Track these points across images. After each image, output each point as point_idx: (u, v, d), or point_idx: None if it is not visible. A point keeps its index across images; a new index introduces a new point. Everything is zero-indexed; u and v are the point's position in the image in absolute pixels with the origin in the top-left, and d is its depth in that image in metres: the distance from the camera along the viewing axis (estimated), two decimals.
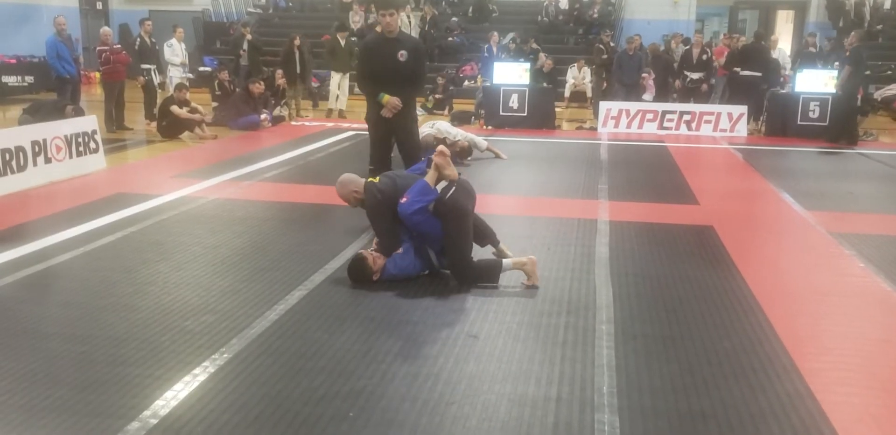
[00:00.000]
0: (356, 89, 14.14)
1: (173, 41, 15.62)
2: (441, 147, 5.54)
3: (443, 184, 5.42)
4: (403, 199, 5.34)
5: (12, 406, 3.62)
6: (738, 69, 15.42)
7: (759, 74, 15.26)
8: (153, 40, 14.85)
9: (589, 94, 19.05)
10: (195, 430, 3.42)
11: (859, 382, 4.10)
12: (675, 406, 3.76)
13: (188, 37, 17.39)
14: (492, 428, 3.50)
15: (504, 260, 5.54)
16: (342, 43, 16.38)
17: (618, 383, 3.97)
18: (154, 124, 13.56)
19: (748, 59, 15.46)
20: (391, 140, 7.25)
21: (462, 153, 10.55)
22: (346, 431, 3.43)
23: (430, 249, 5.52)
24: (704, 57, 16.12)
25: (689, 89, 16.08)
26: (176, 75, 15.43)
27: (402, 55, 6.92)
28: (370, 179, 5.73)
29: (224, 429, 3.44)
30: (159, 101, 13.77)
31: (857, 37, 14.32)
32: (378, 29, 7.18)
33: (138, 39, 14.84)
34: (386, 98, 6.91)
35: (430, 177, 5.43)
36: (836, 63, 15.23)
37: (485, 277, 5.46)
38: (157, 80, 14.97)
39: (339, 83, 16.55)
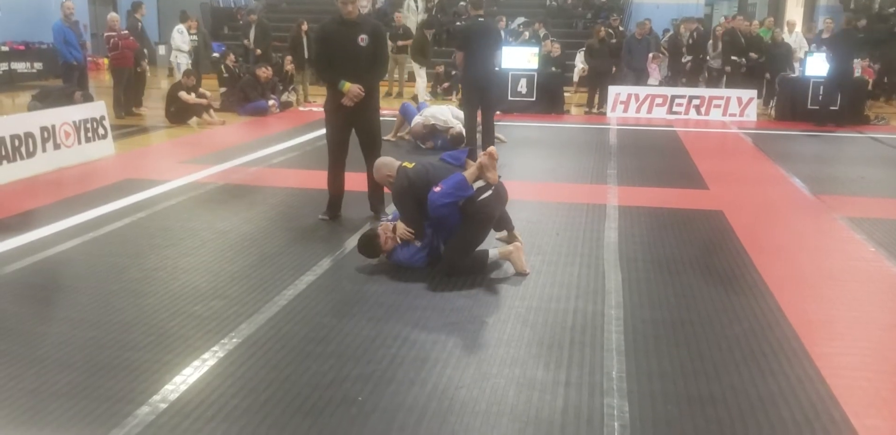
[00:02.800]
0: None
1: (182, 27, 15.55)
2: (492, 148, 5.42)
3: (479, 183, 5.32)
4: (437, 188, 5.24)
5: (22, 390, 3.64)
6: (735, 57, 15.52)
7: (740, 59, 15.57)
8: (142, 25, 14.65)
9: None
10: (205, 414, 3.43)
11: (869, 367, 4.08)
12: (685, 390, 3.75)
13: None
14: (501, 412, 3.49)
15: (490, 251, 5.46)
16: (428, 38, 17.19)
17: (627, 368, 3.97)
18: (143, 109, 13.54)
19: (735, 44, 15.47)
20: (349, 130, 6.72)
21: (454, 141, 10.09)
22: (354, 415, 3.44)
23: (440, 240, 5.48)
24: (690, 41, 16.16)
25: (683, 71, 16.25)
26: (183, 62, 15.39)
27: (363, 40, 6.48)
28: (405, 164, 5.66)
29: (233, 413, 3.45)
30: (152, 88, 13.75)
31: (844, 21, 14.21)
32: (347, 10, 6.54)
33: (139, 24, 14.70)
34: (347, 86, 6.42)
35: (469, 173, 5.31)
36: (814, 45, 15.19)
37: (471, 269, 5.39)
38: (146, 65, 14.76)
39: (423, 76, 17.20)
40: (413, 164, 5.66)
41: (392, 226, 5.54)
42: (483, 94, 9.46)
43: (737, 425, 3.44)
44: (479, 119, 9.92)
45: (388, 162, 5.88)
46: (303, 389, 3.67)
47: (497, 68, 9.82)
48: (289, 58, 15.94)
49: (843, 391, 3.76)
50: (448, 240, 5.39)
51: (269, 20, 19.56)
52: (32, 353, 4.04)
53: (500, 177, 5.45)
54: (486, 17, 9.75)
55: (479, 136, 9.92)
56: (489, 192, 5.33)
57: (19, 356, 4.00)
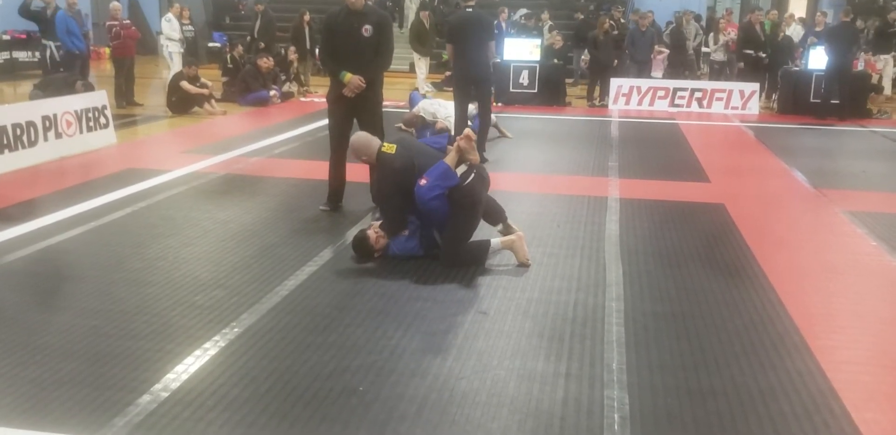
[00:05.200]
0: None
1: (170, 16, 15.51)
2: (468, 130, 5.41)
3: (462, 168, 5.28)
4: (423, 182, 5.17)
5: (25, 379, 3.65)
6: (749, 51, 15.43)
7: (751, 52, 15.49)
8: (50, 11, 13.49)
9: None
10: (206, 403, 3.44)
11: (870, 361, 4.09)
12: (685, 383, 3.76)
13: (197, 12, 17.27)
14: (501, 403, 3.51)
15: (492, 240, 5.43)
16: (426, 24, 15.91)
17: (627, 360, 3.98)
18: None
19: (750, 39, 15.45)
20: (351, 121, 6.70)
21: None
22: (355, 406, 3.45)
23: (435, 231, 5.47)
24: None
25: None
26: (175, 51, 15.38)
27: (367, 30, 6.42)
28: (384, 149, 5.52)
29: (234, 403, 3.46)
30: (154, 78, 13.66)
31: (842, 14, 14.20)
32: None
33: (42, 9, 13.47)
34: (348, 77, 6.38)
35: (450, 159, 5.26)
36: (811, 39, 15.13)
37: (472, 259, 5.37)
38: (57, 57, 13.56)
39: (424, 65, 16.13)
40: (394, 147, 5.51)
41: (379, 224, 5.53)
42: (476, 87, 9.38)
43: (737, 418, 3.45)
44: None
45: (366, 142, 5.64)
46: (303, 380, 3.68)
47: (492, 61, 9.70)
48: (292, 48, 15.88)
49: (843, 385, 3.77)
50: (443, 233, 5.38)
51: (272, 10, 19.52)
52: (34, 341, 4.05)
53: (486, 160, 5.41)
54: (475, 8, 9.61)
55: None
56: (472, 175, 5.29)
57: (21, 345, 4.01)
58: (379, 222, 5.56)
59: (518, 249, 5.39)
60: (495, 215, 5.76)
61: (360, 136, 5.79)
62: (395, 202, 5.43)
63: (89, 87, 11.44)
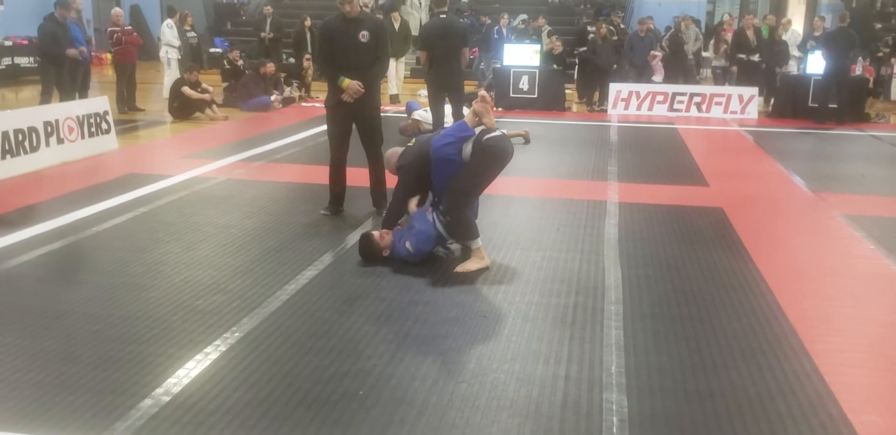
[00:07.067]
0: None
1: (171, 22, 15.54)
2: (482, 92, 5.53)
3: (481, 128, 5.38)
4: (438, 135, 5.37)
5: (27, 383, 3.67)
6: (741, 56, 15.44)
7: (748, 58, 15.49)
8: None
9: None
10: (207, 407, 3.46)
11: (867, 363, 4.11)
12: (684, 386, 3.78)
13: (198, 18, 17.32)
14: (501, 406, 3.53)
15: (479, 239, 5.43)
16: (396, 26, 15.55)
17: (626, 363, 4.00)
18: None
19: (742, 43, 15.48)
20: (350, 126, 6.75)
21: None
22: (356, 410, 3.47)
23: (435, 212, 5.52)
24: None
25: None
26: (174, 57, 15.42)
27: (364, 36, 6.50)
28: (409, 145, 5.81)
29: (235, 407, 3.48)
30: (156, 83, 13.67)
31: (839, 18, 14.25)
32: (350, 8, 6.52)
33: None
34: (346, 82, 6.42)
35: (468, 119, 5.40)
36: (810, 43, 15.16)
37: (467, 225, 5.39)
38: None
39: (395, 69, 15.56)
40: (413, 141, 5.83)
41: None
42: (448, 94, 9.48)
43: (735, 421, 3.47)
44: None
45: (396, 151, 5.94)
46: (304, 384, 3.70)
47: (465, 66, 9.74)
48: (307, 56, 15.88)
49: (841, 387, 3.79)
50: (454, 179, 5.38)
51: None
52: (37, 346, 4.07)
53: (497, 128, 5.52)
54: (448, 13, 9.66)
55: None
56: (496, 133, 5.41)
57: (24, 349, 4.03)
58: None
59: (471, 261, 5.39)
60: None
61: (389, 151, 6.09)
62: (406, 184, 5.66)
63: (84, 54, 11.39)
